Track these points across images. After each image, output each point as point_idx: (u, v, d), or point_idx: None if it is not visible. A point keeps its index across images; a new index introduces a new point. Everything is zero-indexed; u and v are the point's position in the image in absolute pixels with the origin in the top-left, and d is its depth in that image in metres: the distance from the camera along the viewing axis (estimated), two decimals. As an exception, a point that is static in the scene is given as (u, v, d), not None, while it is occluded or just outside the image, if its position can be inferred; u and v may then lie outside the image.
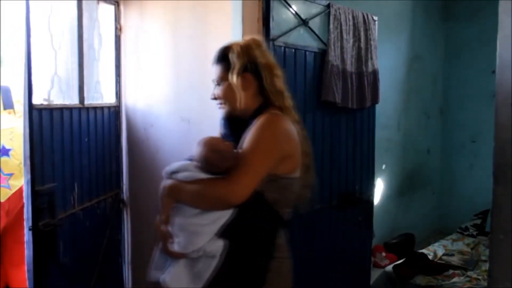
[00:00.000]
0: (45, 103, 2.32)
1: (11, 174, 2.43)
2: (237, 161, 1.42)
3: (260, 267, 1.46)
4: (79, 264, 2.48)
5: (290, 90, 2.54)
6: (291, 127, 1.52)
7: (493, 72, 1.42)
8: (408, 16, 4.50)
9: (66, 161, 2.37)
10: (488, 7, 4.39)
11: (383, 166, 4.13)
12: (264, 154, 1.44)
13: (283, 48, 2.49)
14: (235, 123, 1.57)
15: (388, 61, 3.98)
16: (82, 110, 2.52)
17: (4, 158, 2.42)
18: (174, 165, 1.51)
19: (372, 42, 2.98)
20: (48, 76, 2.38)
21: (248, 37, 1.61)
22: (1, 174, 2.41)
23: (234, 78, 1.54)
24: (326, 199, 2.82)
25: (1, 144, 2.42)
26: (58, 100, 2.40)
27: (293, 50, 2.55)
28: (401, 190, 4.51)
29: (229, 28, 2.35)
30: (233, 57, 1.54)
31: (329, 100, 2.67)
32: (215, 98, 1.61)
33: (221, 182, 1.41)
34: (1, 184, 2.41)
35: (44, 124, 2.20)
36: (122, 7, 2.84)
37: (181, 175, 1.47)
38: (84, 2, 2.52)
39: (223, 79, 1.57)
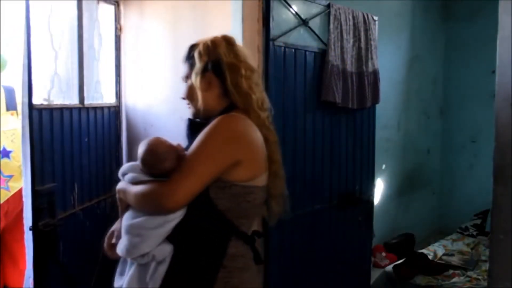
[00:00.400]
0: (45, 103, 2.32)
1: (10, 176, 2.43)
2: (179, 164, 1.34)
3: (207, 269, 1.36)
4: (79, 264, 2.48)
5: (289, 90, 2.55)
6: (250, 131, 1.40)
7: (493, 72, 1.42)
8: (408, 16, 4.50)
9: (66, 161, 2.37)
10: (488, 7, 4.39)
11: (383, 166, 4.13)
12: (209, 158, 1.33)
13: (283, 48, 2.49)
14: (197, 125, 1.46)
15: (388, 61, 3.98)
16: (82, 110, 2.52)
17: (4, 160, 2.42)
18: (124, 166, 1.47)
19: (372, 42, 2.98)
20: (48, 76, 2.38)
21: (219, 35, 1.50)
22: (1, 176, 2.41)
23: (193, 77, 1.45)
24: (326, 199, 2.82)
25: (2, 145, 2.42)
26: (58, 100, 2.40)
27: (293, 50, 2.55)
28: (401, 190, 4.50)
29: (229, 28, 2.35)
30: (195, 56, 1.46)
31: (329, 100, 2.66)
32: (184, 98, 1.54)
33: (158, 185, 1.33)
34: (1, 186, 2.41)
35: (44, 124, 2.20)
36: (122, 7, 2.84)
37: (127, 177, 1.44)
38: (84, 2, 2.52)
39: (187, 78, 1.50)
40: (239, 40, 2.32)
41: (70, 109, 2.42)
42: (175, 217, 1.34)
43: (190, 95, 1.49)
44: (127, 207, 1.44)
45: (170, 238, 1.36)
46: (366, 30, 2.94)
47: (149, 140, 1.42)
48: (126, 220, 1.41)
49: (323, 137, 2.77)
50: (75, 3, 2.47)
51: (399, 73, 4.40)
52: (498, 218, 1.36)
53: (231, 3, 2.36)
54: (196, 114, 1.50)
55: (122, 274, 1.45)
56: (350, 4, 2.89)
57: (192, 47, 1.49)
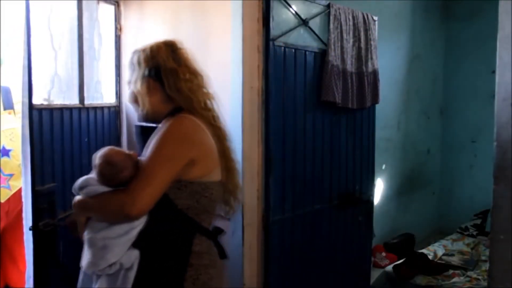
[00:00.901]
0: (45, 103, 2.32)
1: (11, 175, 2.43)
2: (137, 171, 1.37)
3: (175, 269, 1.40)
4: (79, 264, 2.47)
5: (289, 90, 2.54)
6: (199, 130, 1.46)
7: (493, 72, 1.42)
8: (408, 16, 4.50)
9: (66, 161, 2.37)
10: (488, 7, 4.39)
11: (383, 166, 4.13)
12: (166, 162, 1.37)
13: (283, 48, 2.49)
14: (146, 129, 1.53)
15: (388, 61, 3.98)
16: (82, 110, 2.52)
17: (4, 159, 2.42)
18: (79, 181, 1.48)
19: (372, 42, 2.98)
20: (48, 76, 2.38)
21: (161, 40, 1.57)
22: (1, 175, 2.41)
23: (133, 83, 1.52)
24: (326, 199, 2.82)
25: (1, 144, 2.42)
26: (58, 100, 2.40)
27: (293, 50, 2.55)
28: (401, 190, 4.50)
29: (229, 28, 2.35)
30: (135, 62, 1.53)
31: (329, 100, 2.67)
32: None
33: (119, 195, 1.35)
34: (1, 185, 2.41)
35: (44, 124, 2.20)
36: (122, 7, 2.84)
37: (85, 191, 1.44)
38: (84, 2, 2.52)
39: (130, 83, 1.55)
40: (238, 40, 2.33)
41: (70, 109, 2.42)
42: (139, 223, 1.37)
43: (133, 100, 1.55)
44: (86, 222, 1.45)
45: (136, 243, 1.38)
46: (366, 30, 2.94)
47: (104, 152, 1.45)
48: (88, 233, 1.41)
49: (323, 137, 2.77)
50: (75, 3, 2.47)
51: (399, 73, 4.40)
52: (498, 218, 1.36)
53: (231, 3, 2.36)
54: (142, 118, 1.56)
55: None
56: (350, 4, 2.89)
57: (134, 53, 1.55)
